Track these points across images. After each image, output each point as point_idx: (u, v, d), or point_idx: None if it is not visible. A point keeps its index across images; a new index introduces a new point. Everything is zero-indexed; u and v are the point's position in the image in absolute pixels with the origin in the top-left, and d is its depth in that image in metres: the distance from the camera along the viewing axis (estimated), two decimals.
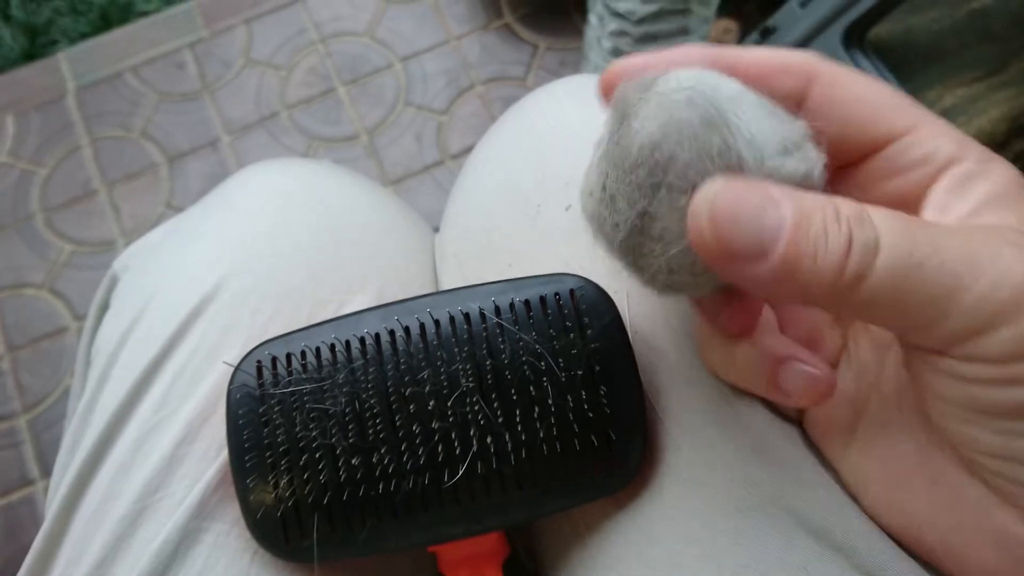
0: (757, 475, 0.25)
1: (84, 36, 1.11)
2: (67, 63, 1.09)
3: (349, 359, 0.26)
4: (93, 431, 0.30)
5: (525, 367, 0.25)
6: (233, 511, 0.28)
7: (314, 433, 0.25)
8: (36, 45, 1.11)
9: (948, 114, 0.83)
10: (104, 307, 0.37)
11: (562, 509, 0.27)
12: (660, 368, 0.28)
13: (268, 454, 0.26)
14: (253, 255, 0.32)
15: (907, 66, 0.83)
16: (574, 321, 0.26)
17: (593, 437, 0.25)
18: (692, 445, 0.26)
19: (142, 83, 1.08)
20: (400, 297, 0.28)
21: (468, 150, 1.05)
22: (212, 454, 0.28)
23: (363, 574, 0.29)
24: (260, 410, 0.26)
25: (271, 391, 0.26)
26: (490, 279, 0.28)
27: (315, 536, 0.25)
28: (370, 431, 0.25)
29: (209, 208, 0.36)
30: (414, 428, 0.25)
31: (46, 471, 0.94)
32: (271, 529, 0.26)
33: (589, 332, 0.26)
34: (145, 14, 1.12)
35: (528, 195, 0.33)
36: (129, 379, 0.30)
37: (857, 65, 0.78)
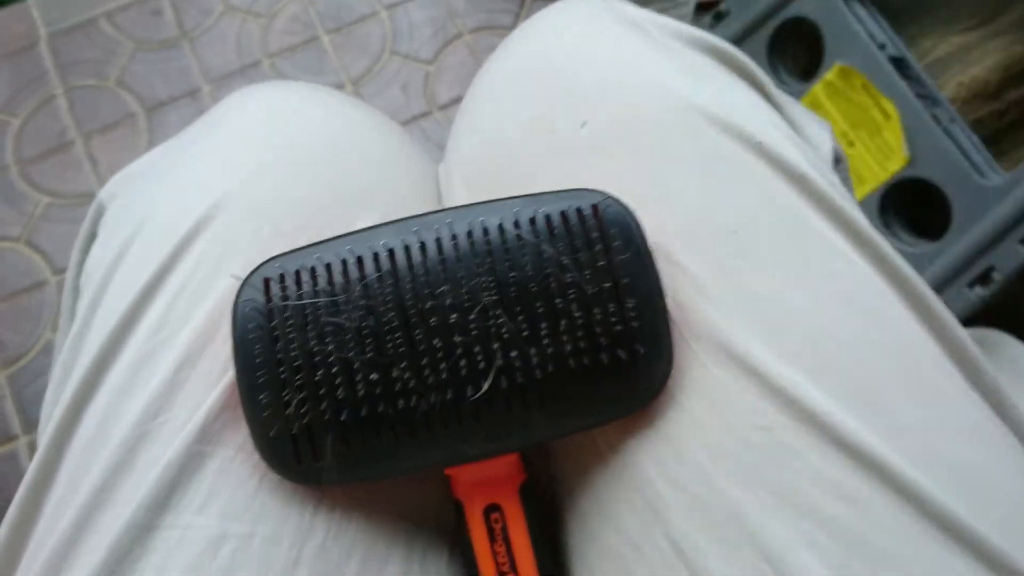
0: None
1: None
2: (38, 9, 1.05)
3: (364, 274, 0.25)
4: (86, 357, 0.28)
5: (550, 280, 0.24)
6: (238, 436, 0.26)
7: (330, 347, 0.24)
8: None
9: (943, 63, 0.82)
10: (91, 237, 0.35)
11: (587, 427, 0.26)
12: (681, 284, 0.27)
13: (280, 370, 0.25)
14: (252, 174, 0.31)
15: (903, 15, 0.82)
16: (598, 236, 0.25)
17: (620, 351, 0.25)
18: (718, 362, 0.26)
19: (117, 30, 1.05)
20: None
21: (456, 101, 1.03)
22: (215, 377, 0.27)
23: (373, 501, 0.28)
24: (270, 325, 0.25)
25: (282, 305, 0.25)
26: None
27: (330, 456, 0.24)
28: (389, 346, 0.24)
29: (202, 129, 0.34)
30: (435, 343, 0.24)
31: (29, 426, 0.92)
32: (282, 450, 0.25)
33: (614, 246, 0.25)
34: None
35: (540, 114, 0.31)
36: (124, 302, 0.28)
37: (855, 16, 0.77)
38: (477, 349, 0.24)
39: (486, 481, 0.27)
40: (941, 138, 0.73)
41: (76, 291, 0.34)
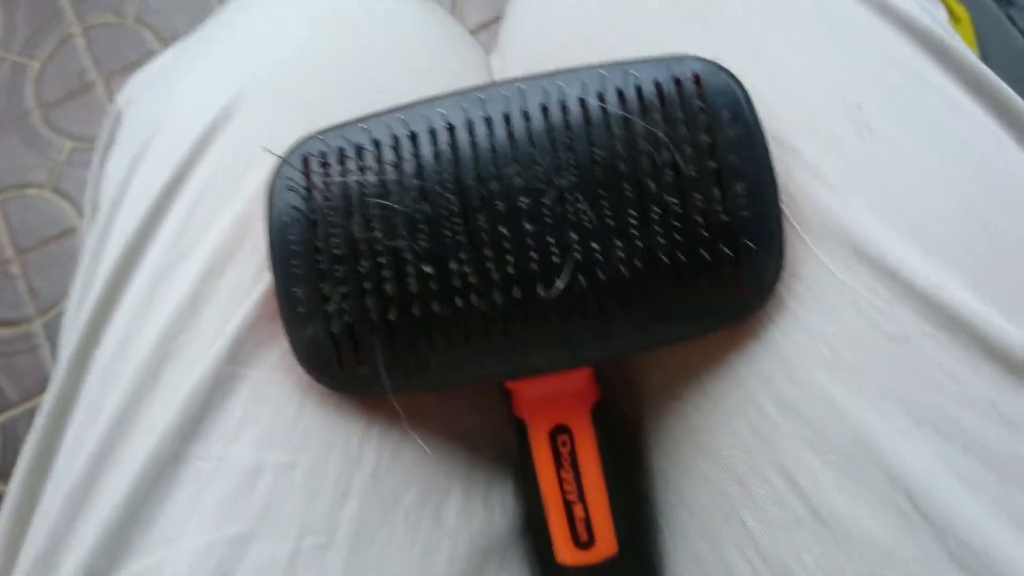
0: None
1: None
2: None
3: (418, 151, 0.21)
4: (103, 274, 0.25)
5: (641, 159, 0.20)
6: (274, 355, 0.23)
7: (378, 234, 0.20)
8: None
9: None
10: (109, 148, 0.32)
11: (681, 338, 0.22)
12: (796, 172, 0.22)
13: (319, 259, 0.21)
14: (278, 62, 0.27)
15: None
16: (700, 108, 0.21)
17: (724, 247, 0.21)
18: (841, 260, 0.22)
19: None
20: None
21: (486, 25, 0.97)
22: (244, 289, 0.24)
23: (429, 423, 0.24)
24: (309, 208, 0.21)
25: (323, 184, 0.21)
26: None
27: (377, 360, 0.21)
28: (447, 234, 0.20)
29: (223, 20, 0.31)
30: (500, 231, 0.20)
31: None
32: (323, 352, 0.22)
33: (719, 121, 0.21)
34: None
35: None
36: (141, 210, 0.25)
37: None
38: (551, 240, 0.20)
39: (554, 398, 0.23)
40: (1017, 40, 0.67)
41: (96, 206, 0.31)
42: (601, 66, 0.22)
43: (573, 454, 0.24)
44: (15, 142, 0.97)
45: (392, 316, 0.21)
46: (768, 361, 0.22)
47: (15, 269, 0.94)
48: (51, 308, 0.92)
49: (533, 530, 0.25)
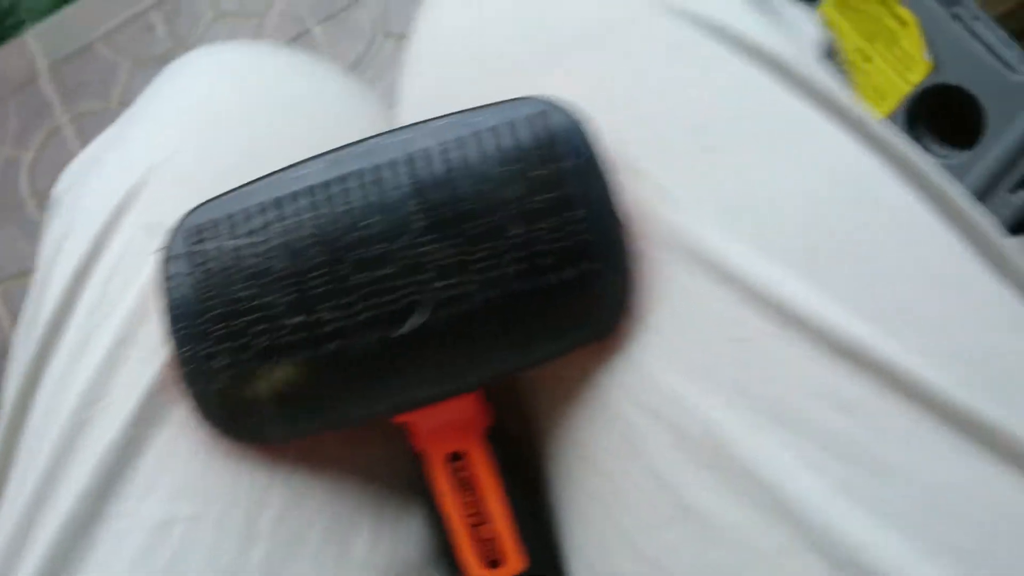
0: None
1: (50, 12, 1.08)
2: (36, 41, 1.07)
3: (282, 213, 0.23)
4: (31, 348, 0.27)
5: (483, 197, 0.22)
6: (181, 413, 0.25)
7: (252, 292, 0.22)
8: (4, 27, 1.08)
9: None
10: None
11: (545, 358, 0.24)
12: (646, 193, 0.24)
13: (205, 320, 0.23)
14: (184, 138, 0.29)
15: None
16: (539, 145, 0.23)
17: (568, 269, 0.22)
18: (689, 272, 0.23)
19: (114, 51, 1.05)
20: None
21: None
22: (151, 354, 0.25)
23: (335, 463, 0.26)
24: (193, 274, 0.23)
25: (203, 253, 0.23)
26: None
27: (266, 409, 0.23)
28: (312, 285, 0.22)
29: (137, 107, 0.33)
30: (361, 277, 0.22)
31: None
32: (218, 406, 0.23)
33: (557, 155, 0.23)
34: None
35: (493, 24, 0.29)
36: (58, 291, 0.27)
37: None
38: (407, 281, 0.22)
39: (446, 427, 0.25)
40: (964, 38, 0.68)
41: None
42: (451, 115, 0.24)
43: (472, 478, 0.25)
44: (14, 232, 1.01)
45: (274, 366, 0.23)
46: (630, 372, 0.23)
47: None
48: None
49: (445, 555, 0.26)
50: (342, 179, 0.23)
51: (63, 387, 0.26)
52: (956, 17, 0.70)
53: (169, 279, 0.24)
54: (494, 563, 0.25)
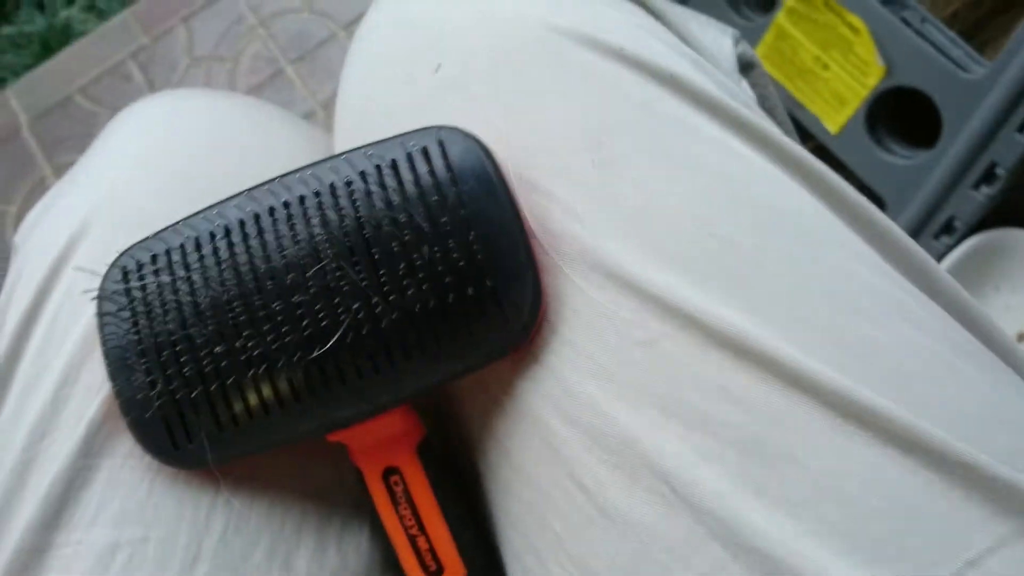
0: None
1: (29, 68, 1.10)
2: (16, 97, 1.09)
3: (202, 250, 0.24)
4: None
5: (385, 224, 0.23)
6: (125, 445, 0.26)
7: (178, 324, 0.24)
8: None
9: None
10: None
11: (459, 373, 0.25)
12: (551, 212, 0.25)
13: (138, 354, 0.24)
14: (123, 188, 0.31)
15: None
16: (440, 170, 0.24)
17: (468, 287, 0.23)
18: (594, 284, 0.24)
19: (93, 102, 1.08)
20: None
21: None
22: (94, 391, 0.27)
23: (277, 483, 0.27)
24: (126, 311, 0.25)
25: (133, 291, 0.25)
26: None
27: (199, 434, 0.24)
28: (230, 316, 0.24)
29: (87, 155, 0.35)
30: (275, 306, 0.23)
31: None
32: (155, 435, 0.25)
33: (458, 180, 0.24)
34: (83, 34, 1.11)
35: (400, 67, 0.30)
36: (12, 331, 0.29)
37: None
38: (320, 306, 0.23)
39: (379, 444, 0.26)
40: (914, 40, 0.70)
41: None
42: (357, 149, 0.25)
43: (407, 492, 0.26)
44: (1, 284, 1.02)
45: (202, 394, 0.24)
46: (548, 380, 0.24)
47: None
48: None
49: (389, 566, 0.27)
50: (256, 217, 0.24)
51: (14, 427, 0.27)
52: (904, 21, 0.72)
53: (102, 318, 0.25)
54: (435, 573, 0.26)
